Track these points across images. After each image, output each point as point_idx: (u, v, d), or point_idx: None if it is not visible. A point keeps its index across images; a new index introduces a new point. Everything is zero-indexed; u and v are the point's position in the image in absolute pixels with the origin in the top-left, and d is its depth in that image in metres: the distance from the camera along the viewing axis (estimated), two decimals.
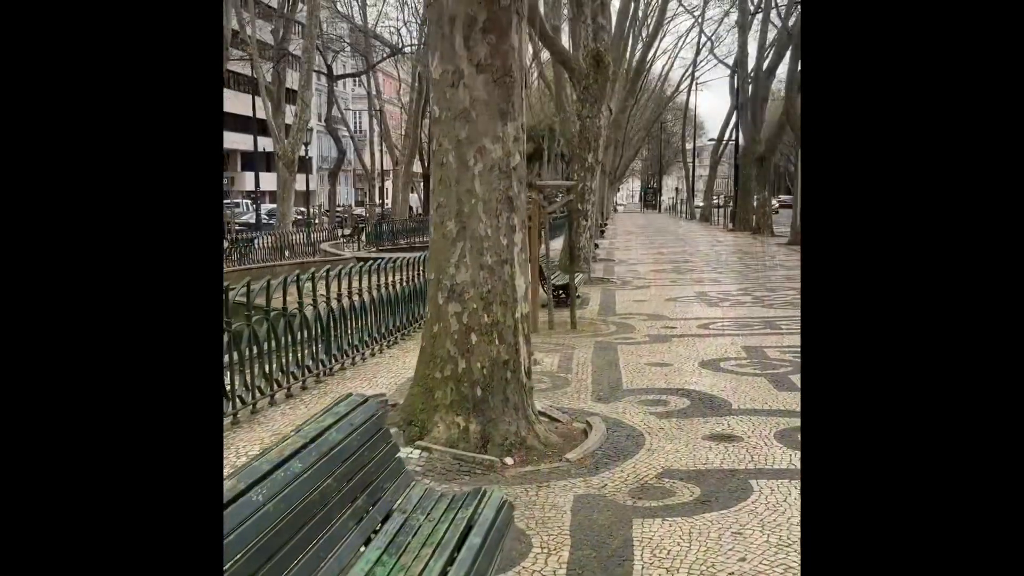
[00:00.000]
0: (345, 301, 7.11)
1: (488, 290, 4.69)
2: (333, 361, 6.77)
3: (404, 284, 8.45)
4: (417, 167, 36.78)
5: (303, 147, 26.51)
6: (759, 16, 31.45)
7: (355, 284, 7.45)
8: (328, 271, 7.15)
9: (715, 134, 48.66)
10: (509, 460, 4.44)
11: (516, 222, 4.78)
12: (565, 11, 20.02)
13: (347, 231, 28.76)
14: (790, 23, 25.49)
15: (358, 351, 7.28)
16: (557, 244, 18.53)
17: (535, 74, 31.18)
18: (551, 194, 16.93)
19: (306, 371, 6.26)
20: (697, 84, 52.54)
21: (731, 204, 37.73)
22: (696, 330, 8.93)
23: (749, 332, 8.75)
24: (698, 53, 46.81)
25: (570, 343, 8.13)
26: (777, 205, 37.79)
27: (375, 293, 7.70)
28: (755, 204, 29.96)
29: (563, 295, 10.87)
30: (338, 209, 43.26)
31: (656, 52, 49.36)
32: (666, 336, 8.51)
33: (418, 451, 4.31)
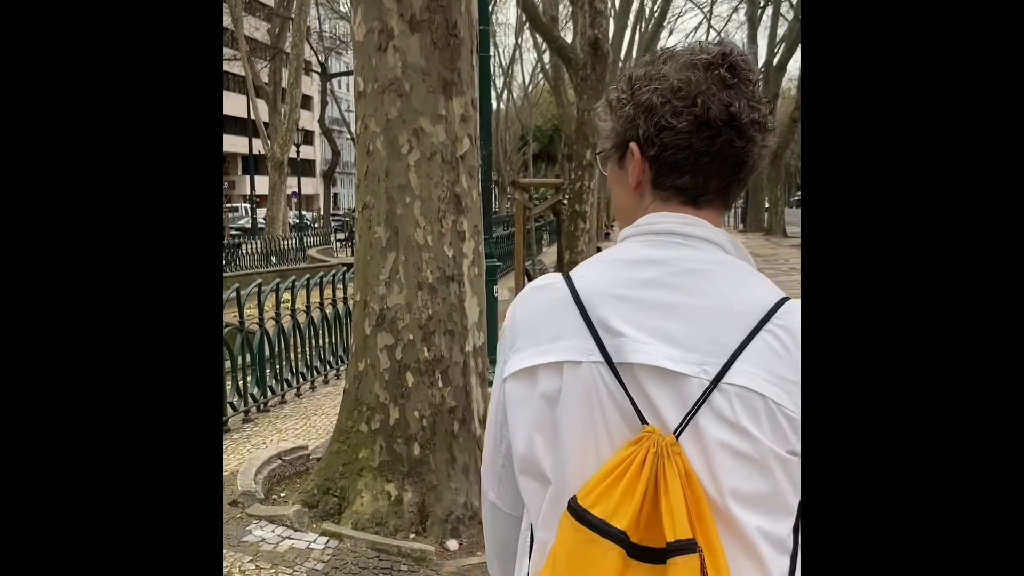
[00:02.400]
0: (287, 320, 6.01)
1: (429, 316, 3.59)
2: (270, 393, 5.67)
3: None
4: None
5: (294, 148, 25.48)
6: (769, 10, 30.23)
7: (329, 294, 6.38)
8: (278, 284, 6.07)
9: None
10: (453, 544, 3.33)
11: (466, 227, 3.67)
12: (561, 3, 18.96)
13: (342, 236, 27.69)
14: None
15: (305, 379, 6.18)
16: (551, 249, 17.41)
17: (538, 69, 30.19)
18: (543, 194, 15.81)
19: (230, 408, 5.16)
20: None
21: (741, 203, 36.54)
22: None
23: None
24: None
25: None
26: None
27: (337, 307, 6.60)
28: (767, 204, 28.75)
29: None
30: (339, 213, 42.18)
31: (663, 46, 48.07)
32: None
33: (324, 539, 3.20)
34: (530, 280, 7.75)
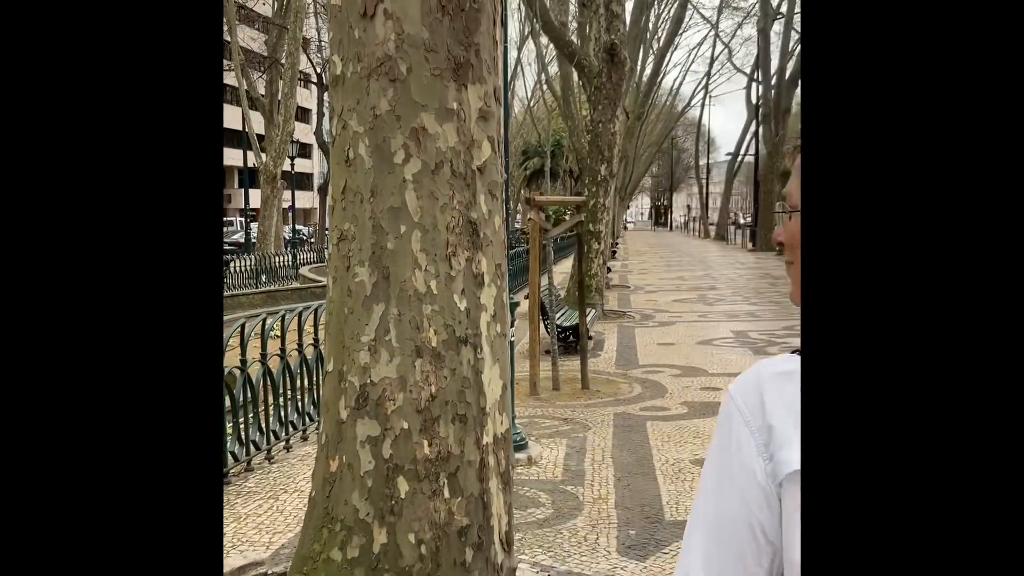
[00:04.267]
0: (255, 368, 4.93)
1: (431, 395, 2.52)
2: (231, 460, 4.58)
3: None
4: None
5: (289, 161, 24.52)
6: (780, 23, 29.36)
7: (310, 328, 5.29)
8: (239, 320, 5.00)
9: (727, 151, 46.59)
10: None
11: (485, 267, 2.61)
12: (572, 6, 18.02)
13: None
14: None
15: (277, 437, 5.09)
16: (559, 268, 16.36)
17: (542, 81, 29.32)
18: (559, 212, 14.71)
19: None
20: (711, 98, 50.40)
21: (752, 223, 35.57)
22: None
23: None
24: (712, 63, 44.53)
25: (581, 417, 5.93)
26: None
27: (319, 347, 5.51)
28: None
29: (571, 339, 8.70)
30: None
31: (668, 63, 47.61)
32: (711, 404, 6.29)
33: None
34: (544, 315, 6.61)
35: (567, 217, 12.31)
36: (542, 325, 7.65)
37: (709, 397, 6.56)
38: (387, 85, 2.49)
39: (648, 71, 26.91)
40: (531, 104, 49.23)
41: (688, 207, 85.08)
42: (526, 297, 7.56)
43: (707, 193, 55.69)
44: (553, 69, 25.97)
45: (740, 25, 43.43)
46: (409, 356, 2.51)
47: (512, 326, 4.74)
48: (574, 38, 14.07)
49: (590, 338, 9.65)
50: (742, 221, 41.21)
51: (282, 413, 5.14)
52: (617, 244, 34.60)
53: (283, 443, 5.15)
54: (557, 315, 9.03)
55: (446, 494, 2.51)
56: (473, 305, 2.58)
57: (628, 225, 77.01)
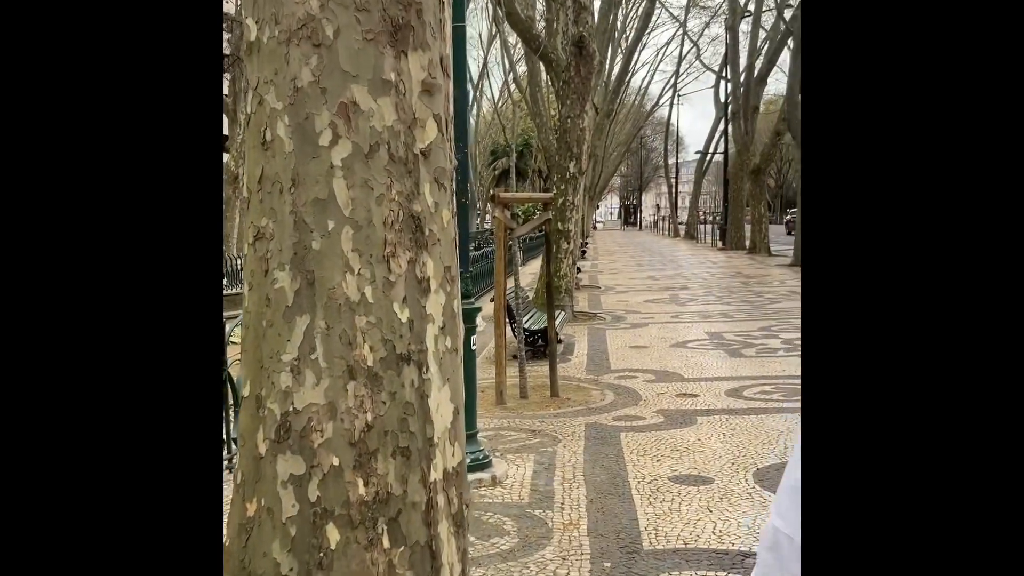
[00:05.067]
0: None
1: (367, 424, 2.10)
2: (234, 446, 4.11)
3: None
4: None
5: None
6: (748, 21, 29.25)
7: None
8: None
9: (695, 149, 46.57)
10: None
11: (431, 270, 2.19)
12: (539, 3, 17.67)
13: None
14: (787, 16, 23.21)
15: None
16: (528, 268, 15.99)
17: (511, 79, 29.00)
18: (529, 211, 14.34)
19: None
20: (679, 97, 50.35)
21: (721, 221, 35.52)
22: (728, 400, 6.36)
23: None
24: (680, 62, 44.38)
25: (550, 428, 5.54)
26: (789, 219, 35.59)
27: None
28: (750, 221, 27.63)
29: (540, 343, 8.31)
30: None
31: (637, 62, 47.59)
32: (688, 413, 5.94)
33: None
34: (511, 317, 6.21)
35: (553, 214, 11.94)
36: (509, 329, 7.26)
37: (686, 404, 6.21)
38: (310, 52, 2.07)
39: (617, 69, 26.62)
40: (499, 104, 48.93)
41: (657, 206, 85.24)
42: (492, 300, 7.15)
43: (676, 192, 55.72)
44: (522, 68, 25.61)
45: (708, 24, 43.40)
46: (340, 378, 2.09)
47: (473, 333, 4.33)
48: (541, 32, 13.69)
49: (560, 342, 9.27)
50: (709, 220, 41.22)
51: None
52: (587, 244, 34.35)
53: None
54: (525, 318, 8.64)
55: (386, 543, 2.09)
56: (417, 315, 2.16)
57: (598, 225, 76.88)
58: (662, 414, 5.90)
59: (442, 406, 2.19)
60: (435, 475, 2.16)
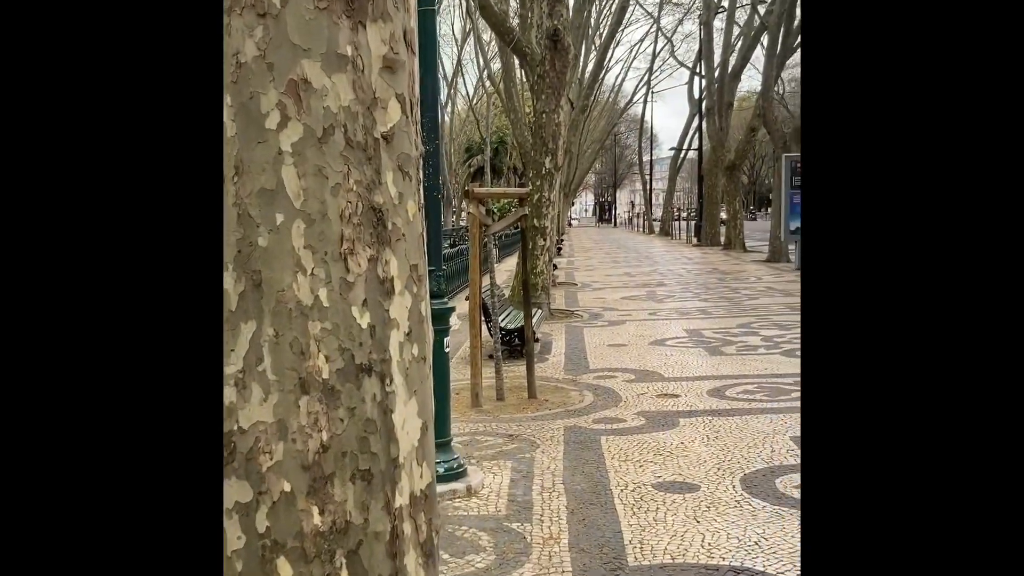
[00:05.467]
0: None
1: (323, 445, 1.85)
2: None
3: None
4: None
5: None
6: (722, 17, 29.21)
7: None
8: None
9: (669, 146, 46.65)
10: None
11: (393, 269, 1.95)
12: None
13: None
14: (761, 10, 23.13)
15: None
16: (504, 266, 15.76)
17: (485, 76, 28.76)
18: (504, 208, 14.12)
19: None
20: (653, 94, 50.35)
21: (696, 217, 35.52)
22: (710, 400, 6.18)
23: (788, 400, 6.03)
24: (654, 59, 44.36)
25: (528, 433, 5.32)
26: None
27: None
28: (725, 217, 27.60)
29: (517, 342, 8.08)
30: None
31: (611, 59, 47.54)
32: (669, 414, 5.75)
33: None
34: (487, 317, 6.00)
35: (529, 210, 11.69)
36: (485, 328, 7.02)
37: (667, 405, 6.02)
38: (254, 22, 1.82)
39: (591, 65, 26.46)
40: (474, 101, 48.67)
41: (632, 203, 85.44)
42: (467, 299, 6.91)
43: (651, 189, 55.80)
44: (496, 65, 25.36)
45: (681, 21, 43.44)
46: (291, 392, 1.84)
47: (446, 335, 4.09)
48: (515, 26, 13.46)
49: (537, 340, 9.05)
50: (684, 216, 41.26)
51: None
52: (563, 241, 34.20)
53: None
54: (501, 317, 8.41)
55: None
56: (379, 321, 1.92)
57: (573, 221, 76.84)
58: (643, 416, 5.71)
59: (408, 422, 1.96)
60: (400, 500, 1.92)
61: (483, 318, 6.96)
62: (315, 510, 1.83)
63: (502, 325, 8.14)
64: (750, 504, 3.93)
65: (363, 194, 1.85)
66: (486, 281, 6.77)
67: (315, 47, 1.83)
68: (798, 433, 5.15)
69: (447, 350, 4.17)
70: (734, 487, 4.18)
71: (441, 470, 4.03)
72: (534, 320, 9.02)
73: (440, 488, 2.62)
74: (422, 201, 2.04)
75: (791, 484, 4.16)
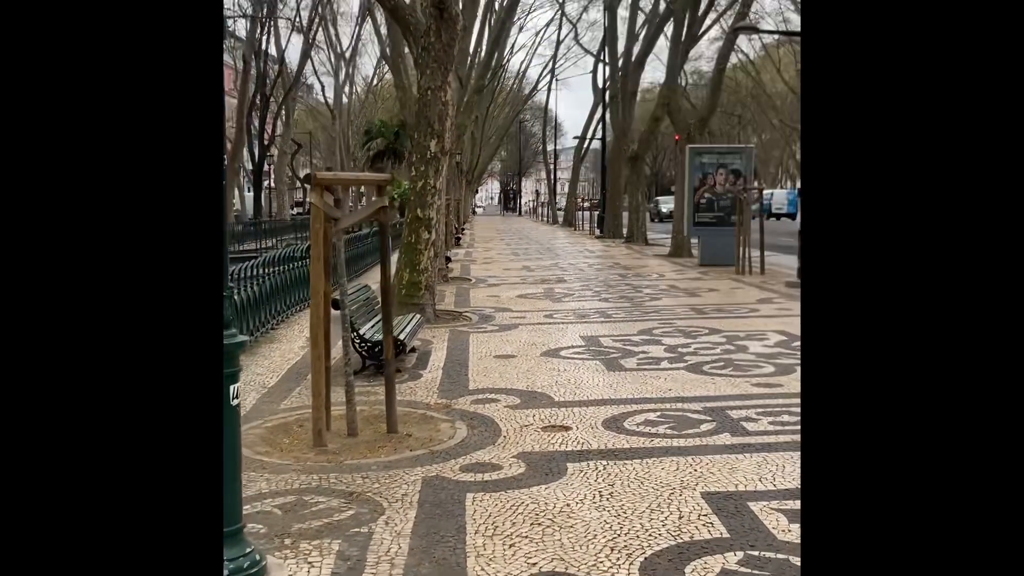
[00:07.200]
0: None
1: None
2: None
3: None
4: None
5: None
6: (626, 3, 28.51)
7: None
8: None
9: (573, 136, 45.94)
10: None
11: None
12: None
13: None
14: None
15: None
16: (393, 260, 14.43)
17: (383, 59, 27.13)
18: (404, 195, 12.70)
19: None
20: (557, 81, 49.66)
21: (599, 208, 34.90)
22: (605, 435, 5.13)
23: (696, 436, 5.03)
24: (559, 46, 43.54)
25: (375, 489, 4.12)
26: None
27: None
28: (627, 209, 26.96)
29: (382, 357, 6.85)
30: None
31: (515, 43, 46.44)
32: (556, 456, 4.66)
33: None
34: (338, 308, 4.76)
35: (412, 199, 10.39)
36: (350, 343, 5.76)
37: (554, 443, 4.94)
38: None
39: (487, 44, 25.25)
40: (374, 82, 46.63)
41: (537, 192, 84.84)
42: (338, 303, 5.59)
43: (555, 178, 55.17)
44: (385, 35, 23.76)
45: (586, 8, 42.71)
46: None
47: (235, 381, 2.84)
48: None
49: (412, 351, 7.85)
50: (587, 207, 40.63)
51: None
52: (463, 231, 32.98)
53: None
54: (368, 325, 7.17)
55: None
56: None
57: (478, 210, 75.64)
58: (524, 460, 4.60)
59: None
60: None
61: (349, 330, 5.70)
62: None
63: (368, 336, 6.90)
64: None
65: None
66: (349, 285, 5.53)
67: None
68: (710, 488, 4.13)
69: (235, 402, 2.94)
70: None
71: (225, 574, 2.80)
72: (411, 327, 7.81)
73: None
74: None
75: (707, 574, 3.13)
